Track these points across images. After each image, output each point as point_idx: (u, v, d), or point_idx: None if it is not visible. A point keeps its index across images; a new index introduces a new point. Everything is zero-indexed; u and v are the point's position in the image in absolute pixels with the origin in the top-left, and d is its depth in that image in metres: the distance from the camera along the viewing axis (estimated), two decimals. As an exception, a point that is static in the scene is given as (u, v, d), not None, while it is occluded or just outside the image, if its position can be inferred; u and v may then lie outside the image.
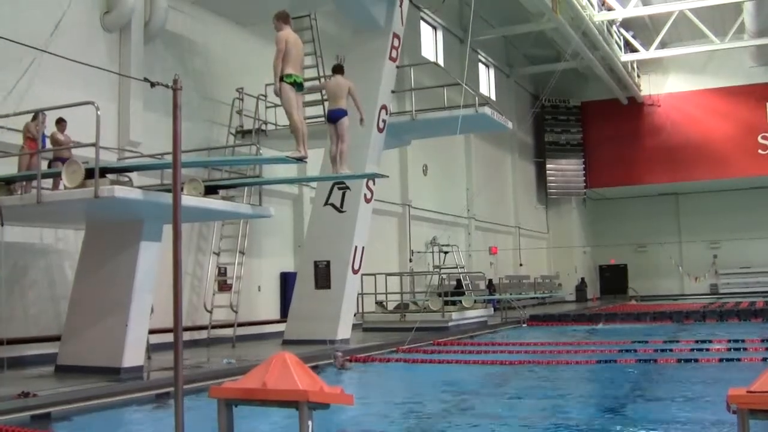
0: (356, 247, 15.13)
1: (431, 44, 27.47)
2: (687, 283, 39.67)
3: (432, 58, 26.41)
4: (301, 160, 10.40)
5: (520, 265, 34.30)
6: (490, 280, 28.36)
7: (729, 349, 13.29)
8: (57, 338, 11.31)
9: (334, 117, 11.64)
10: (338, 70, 12.08)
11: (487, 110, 15.90)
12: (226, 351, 14.03)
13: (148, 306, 10.71)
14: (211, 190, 11.56)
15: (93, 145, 9.78)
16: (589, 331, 19.56)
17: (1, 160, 11.35)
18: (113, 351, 10.26)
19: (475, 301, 20.88)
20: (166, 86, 5.65)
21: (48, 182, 10.53)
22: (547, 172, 37.89)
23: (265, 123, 17.05)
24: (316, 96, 17.32)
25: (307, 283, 15.28)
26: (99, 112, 9.86)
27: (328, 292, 15.00)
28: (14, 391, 8.15)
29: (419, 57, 24.99)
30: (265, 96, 16.95)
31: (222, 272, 16.16)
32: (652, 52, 33.50)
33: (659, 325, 20.53)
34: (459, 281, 24.57)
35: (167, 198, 9.33)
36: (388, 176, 14.56)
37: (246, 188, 15.24)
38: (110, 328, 10.36)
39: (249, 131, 16.62)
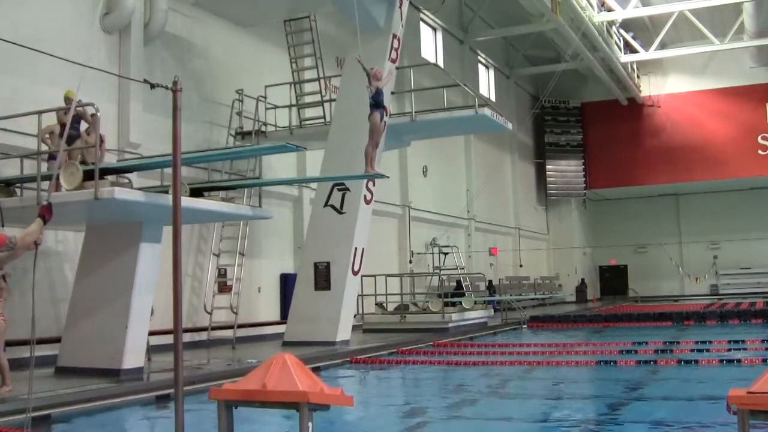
0: (356, 248, 15.12)
1: (431, 45, 27.48)
2: (687, 284, 39.67)
3: (432, 60, 26.41)
4: None
5: (520, 266, 34.29)
6: (490, 281, 28.35)
7: (729, 350, 13.29)
8: (57, 340, 11.30)
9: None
10: None
11: (486, 111, 15.90)
12: (226, 352, 14.03)
13: (148, 307, 10.70)
14: (207, 191, 11.56)
15: (93, 146, 9.80)
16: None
17: (1, 161, 11.37)
18: (113, 352, 10.25)
19: (475, 303, 20.85)
20: (166, 88, 5.64)
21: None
22: (547, 173, 37.87)
23: (265, 124, 17.06)
24: (316, 96, 17.37)
25: (307, 284, 15.27)
26: (99, 114, 9.88)
27: (328, 294, 14.99)
28: (16, 393, 8.14)
29: (419, 58, 25.00)
30: (265, 97, 16.98)
31: (222, 273, 16.15)
32: (652, 53, 33.50)
33: (660, 326, 20.52)
34: (459, 282, 24.56)
35: (167, 199, 9.34)
36: (388, 177, 14.54)
37: (246, 190, 15.24)
38: (110, 330, 10.35)
39: (249, 132, 16.64)
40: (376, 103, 11.72)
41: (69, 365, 10.58)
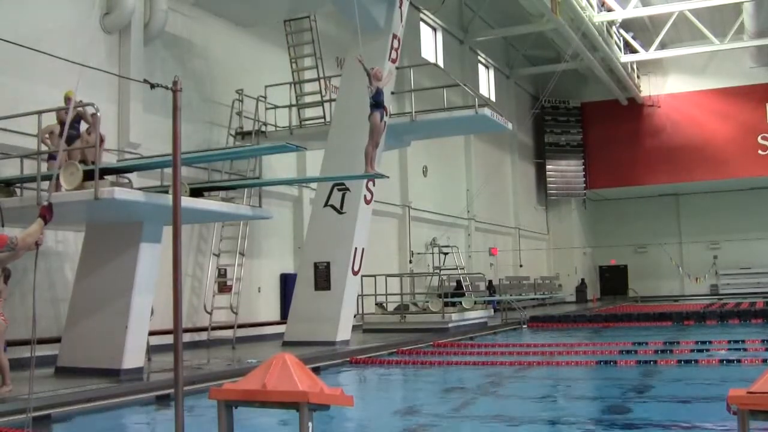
0: (356, 248, 15.12)
1: (431, 45, 27.48)
2: (687, 284, 39.68)
3: (432, 60, 26.41)
4: None
5: (520, 266, 34.29)
6: (490, 281, 28.35)
7: (729, 350, 13.28)
8: (57, 340, 11.30)
9: None
10: None
11: (486, 111, 15.90)
12: (226, 352, 14.03)
13: (148, 307, 10.71)
14: (207, 191, 11.56)
15: (93, 146, 9.80)
16: None
17: (1, 161, 11.37)
18: (113, 352, 10.25)
19: (475, 303, 20.86)
20: (166, 88, 5.64)
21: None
22: (547, 173, 37.87)
23: (265, 124, 17.06)
24: (316, 96, 17.38)
25: (307, 284, 15.28)
26: (99, 114, 9.88)
27: (328, 294, 14.99)
28: (16, 393, 8.14)
29: (419, 58, 25.00)
30: (265, 97, 16.98)
31: (222, 273, 16.15)
32: (652, 53, 33.50)
33: (660, 326, 20.52)
34: (459, 282, 24.56)
35: (167, 199, 9.34)
36: (388, 177, 14.54)
37: (246, 190, 15.24)
38: (110, 330, 10.36)
39: (249, 132, 16.64)
40: (377, 103, 11.72)
41: (69, 365, 10.58)
